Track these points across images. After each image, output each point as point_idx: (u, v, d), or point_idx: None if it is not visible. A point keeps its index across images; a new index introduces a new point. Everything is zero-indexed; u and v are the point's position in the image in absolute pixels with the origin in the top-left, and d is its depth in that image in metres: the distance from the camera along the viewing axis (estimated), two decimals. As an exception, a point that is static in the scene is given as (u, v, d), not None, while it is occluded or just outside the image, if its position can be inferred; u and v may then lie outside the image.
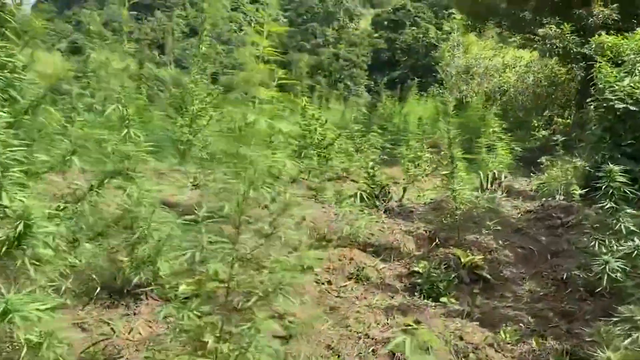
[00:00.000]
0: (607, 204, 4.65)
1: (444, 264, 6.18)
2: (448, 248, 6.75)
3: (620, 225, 4.57)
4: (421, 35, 66.42)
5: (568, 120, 19.57)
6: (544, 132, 19.58)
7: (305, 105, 9.61)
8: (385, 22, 74.23)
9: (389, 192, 8.13)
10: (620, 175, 4.70)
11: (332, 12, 74.19)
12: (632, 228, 4.58)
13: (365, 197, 8.12)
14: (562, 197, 8.24)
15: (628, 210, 4.63)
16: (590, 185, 8.25)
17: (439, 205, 7.73)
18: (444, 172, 6.49)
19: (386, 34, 72.24)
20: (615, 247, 4.59)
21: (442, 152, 6.65)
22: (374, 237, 7.12)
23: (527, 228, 7.72)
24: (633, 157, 8.35)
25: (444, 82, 32.77)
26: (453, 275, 5.96)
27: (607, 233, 4.70)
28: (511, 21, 17.98)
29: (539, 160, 11.15)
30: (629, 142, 8.28)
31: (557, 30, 14.43)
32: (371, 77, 69.24)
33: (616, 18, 13.81)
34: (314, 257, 6.20)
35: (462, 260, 6.17)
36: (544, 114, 21.15)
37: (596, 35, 10.10)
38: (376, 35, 73.35)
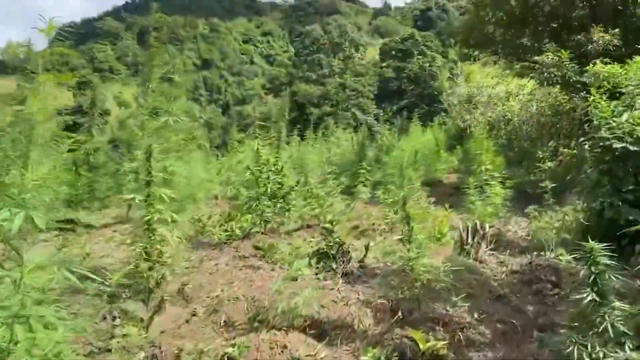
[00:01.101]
0: (588, 296, 3.47)
1: (399, 352, 4.99)
2: (408, 326, 5.55)
3: (607, 324, 3.39)
4: (427, 64, 65.94)
5: (574, 151, 18.38)
6: (549, 164, 18.47)
7: (258, 149, 8.52)
8: (393, 52, 74.06)
9: (348, 252, 6.96)
10: (604, 254, 3.54)
11: (338, 42, 74.13)
12: (622, 329, 3.39)
13: (322, 257, 6.97)
14: (552, 255, 7.01)
15: (616, 304, 3.45)
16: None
17: (403, 270, 6.55)
18: (398, 237, 5.35)
19: (394, 63, 71.99)
20: (600, 354, 3.40)
21: (396, 210, 5.46)
22: (324, 310, 5.95)
23: (510, 294, 6.49)
24: (637, 205, 7.14)
25: (447, 110, 31.88)
26: (406, 368, 4.78)
27: (591, 333, 3.51)
28: (508, 49, 16.96)
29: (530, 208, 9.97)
30: (630, 187, 7.09)
31: (555, 57, 13.33)
32: (380, 105, 68.80)
33: (618, 44, 12.70)
34: (239, 345, 5.06)
35: (421, 346, 4.98)
36: (550, 144, 19.92)
37: (591, 65, 8.98)
38: (384, 64, 73.10)
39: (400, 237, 5.32)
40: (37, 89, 8.77)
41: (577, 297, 3.49)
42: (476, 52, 18.75)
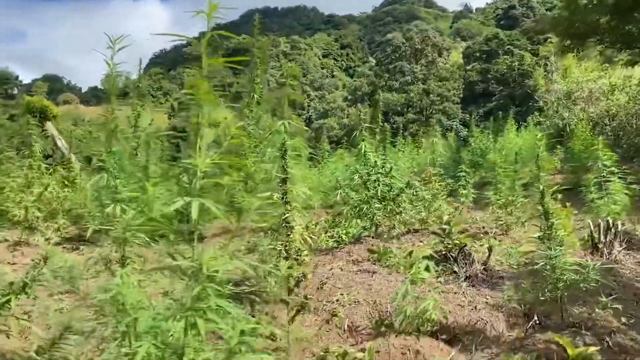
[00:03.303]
0: None
1: (544, 359, 4.57)
2: (549, 331, 5.10)
3: None
4: (516, 63, 63.27)
5: (696, 144, 16.74)
6: (667, 159, 16.99)
7: (365, 152, 8.33)
8: (477, 54, 71.97)
9: (470, 254, 6.57)
10: None
11: (419, 48, 73.08)
12: None
13: (440, 260, 6.64)
14: None
15: None
16: None
17: (536, 271, 6.07)
18: (537, 235, 4.93)
19: (479, 65, 69.90)
20: None
21: (534, 205, 5.07)
22: (450, 315, 5.63)
23: (659, 296, 5.84)
24: None
25: (543, 109, 30.30)
26: (558, 376, 4.36)
27: None
28: (615, 37, 15.74)
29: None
30: None
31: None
32: (466, 109, 66.86)
33: None
34: (369, 350, 4.86)
35: (569, 353, 4.53)
36: (666, 138, 18.28)
37: None
38: (469, 67, 71.16)
39: (538, 234, 4.91)
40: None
41: None
42: (578, 44, 17.55)
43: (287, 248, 3.79)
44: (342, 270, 7.04)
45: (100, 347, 2.85)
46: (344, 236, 8.89)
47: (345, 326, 5.60)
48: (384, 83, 73.52)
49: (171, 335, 2.01)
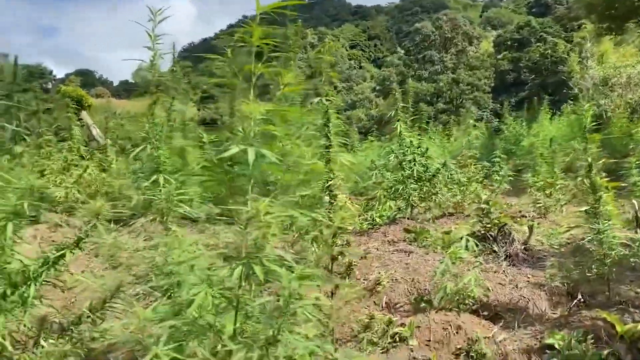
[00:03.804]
0: None
1: (592, 335, 4.45)
2: (595, 309, 4.97)
3: None
4: (549, 51, 61.82)
5: None
6: None
7: (401, 131, 8.24)
8: (509, 42, 70.63)
9: (509, 233, 6.45)
10: None
11: (449, 37, 72.03)
12: None
13: (478, 240, 6.53)
14: None
15: None
16: None
17: (581, 248, 5.92)
18: (584, 208, 4.79)
19: (510, 54, 68.60)
20: None
21: (579, 179, 4.94)
22: (491, 293, 5.55)
23: None
24: None
25: (578, 97, 29.59)
26: (606, 352, 4.24)
27: None
28: (657, 17, 15.25)
29: None
30: None
31: None
32: (497, 99, 65.66)
33: None
34: (409, 325, 4.82)
35: (618, 329, 4.40)
36: None
37: None
38: (499, 56, 69.88)
39: (585, 208, 4.77)
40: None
41: None
42: (617, 26, 17.04)
43: (330, 216, 3.76)
44: (378, 250, 6.99)
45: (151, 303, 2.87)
46: (377, 219, 8.84)
47: (384, 303, 5.57)
48: (413, 73, 72.71)
49: (228, 280, 2.00)
